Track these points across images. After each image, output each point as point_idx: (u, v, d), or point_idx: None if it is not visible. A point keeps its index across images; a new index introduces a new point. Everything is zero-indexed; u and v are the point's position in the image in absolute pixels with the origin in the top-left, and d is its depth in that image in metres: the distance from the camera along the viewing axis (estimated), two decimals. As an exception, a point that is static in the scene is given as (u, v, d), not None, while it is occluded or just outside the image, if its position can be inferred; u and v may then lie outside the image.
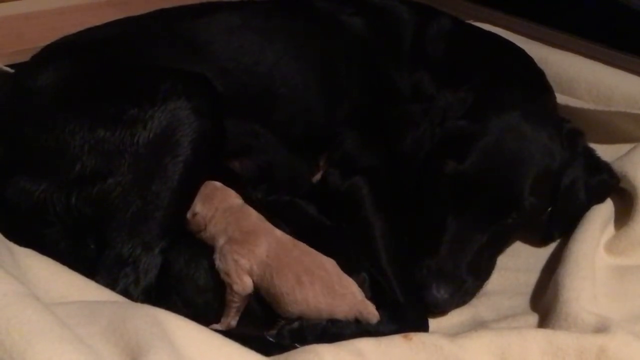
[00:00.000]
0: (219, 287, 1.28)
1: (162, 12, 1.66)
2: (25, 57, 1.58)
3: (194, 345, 1.01)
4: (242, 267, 1.25)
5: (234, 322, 1.26)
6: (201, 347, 1.02)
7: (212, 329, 1.13)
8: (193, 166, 1.31)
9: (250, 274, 1.25)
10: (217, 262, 1.27)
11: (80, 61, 1.45)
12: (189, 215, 1.32)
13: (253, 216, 1.33)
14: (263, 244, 1.27)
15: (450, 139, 1.43)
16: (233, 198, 1.35)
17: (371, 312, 1.23)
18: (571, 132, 1.48)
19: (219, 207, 1.32)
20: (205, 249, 1.32)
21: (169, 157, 1.29)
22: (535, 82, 1.64)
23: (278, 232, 1.31)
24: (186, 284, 1.29)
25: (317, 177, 1.54)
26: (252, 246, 1.27)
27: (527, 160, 1.39)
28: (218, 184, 1.37)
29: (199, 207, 1.32)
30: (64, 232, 1.30)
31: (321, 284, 1.23)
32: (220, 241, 1.29)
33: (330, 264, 1.27)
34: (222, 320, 1.26)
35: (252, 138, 1.52)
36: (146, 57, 1.49)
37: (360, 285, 1.27)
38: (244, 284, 1.25)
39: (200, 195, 1.34)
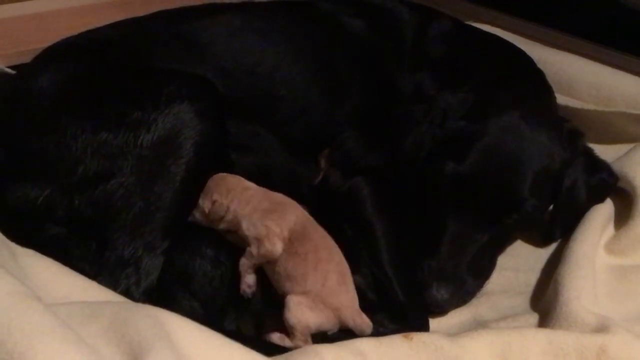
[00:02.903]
0: (225, 274, 1.29)
1: (163, 13, 1.66)
2: (27, 59, 1.58)
3: (195, 346, 1.01)
4: (274, 232, 1.26)
5: (252, 281, 1.28)
6: (202, 347, 1.02)
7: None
8: (196, 168, 1.32)
9: (281, 239, 1.26)
10: (245, 230, 1.28)
11: (82, 63, 1.45)
12: (207, 206, 1.32)
13: (279, 194, 1.35)
14: (292, 212, 1.29)
15: (450, 139, 1.43)
16: (246, 181, 1.37)
17: (365, 322, 1.23)
18: (571, 132, 1.48)
19: (236, 188, 1.33)
20: (207, 240, 1.32)
21: (172, 159, 1.30)
22: (535, 83, 1.64)
23: (305, 212, 1.33)
24: (192, 275, 1.30)
25: (319, 178, 1.55)
26: (282, 213, 1.28)
27: (527, 160, 1.39)
28: (225, 173, 1.38)
29: (216, 195, 1.33)
30: (66, 233, 1.30)
31: (336, 267, 1.24)
32: (246, 211, 1.30)
33: (348, 268, 1.28)
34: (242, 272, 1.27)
35: (252, 138, 1.53)
36: (147, 59, 1.50)
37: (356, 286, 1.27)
38: (275, 247, 1.25)
39: (211, 186, 1.35)
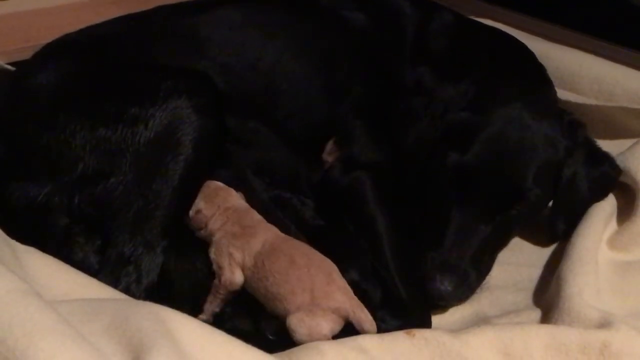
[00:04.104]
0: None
1: (163, 8, 1.66)
2: (26, 55, 1.58)
3: (196, 343, 1.01)
4: (236, 260, 1.25)
5: (216, 309, 1.26)
6: (204, 344, 1.02)
7: (200, 319, 1.14)
8: (194, 165, 1.31)
9: (243, 268, 1.25)
10: (212, 255, 1.27)
11: (81, 59, 1.45)
12: (191, 212, 1.32)
13: (256, 216, 1.34)
14: (260, 236, 1.27)
15: (452, 131, 1.43)
16: (235, 198, 1.35)
17: (367, 318, 1.20)
18: (572, 123, 1.48)
19: (221, 206, 1.32)
20: (204, 247, 1.32)
21: (170, 156, 1.29)
22: (536, 76, 1.64)
23: (278, 231, 1.31)
24: (188, 282, 1.29)
25: (327, 166, 1.53)
26: (249, 238, 1.27)
27: (530, 150, 1.39)
28: (220, 184, 1.37)
29: (202, 205, 1.32)
30: (67, 231, 1.30)
31: (319, 269, 1.22)
32: (218, 235, 1.29)
33: (333, 265, 1.26)
34: (205, 307, 1.25)
35: (252, 134, 1.52)
36: (147, 54, 1.49)
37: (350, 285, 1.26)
38: (234, 277, 1.25)
39: (203, 194, 1.34)
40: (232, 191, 1.36)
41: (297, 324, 1.17)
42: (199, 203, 1.33)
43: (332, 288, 1.20)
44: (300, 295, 1.18)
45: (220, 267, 1.26)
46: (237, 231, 1.29)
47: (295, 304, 1.18)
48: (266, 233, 1.28)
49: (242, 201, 1.36)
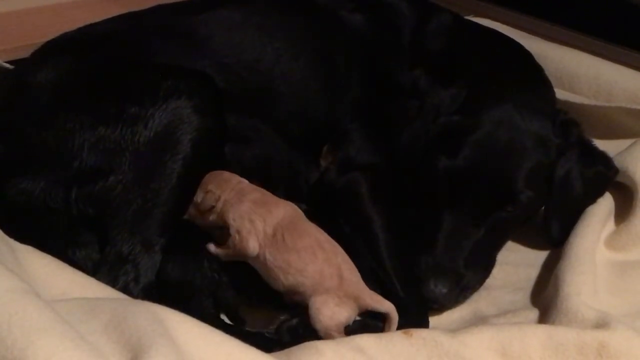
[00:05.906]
0: (219, 289, 1.30)
1: (162, 7, 1.66)
2: (25, 54, 1.58)
3: (195, 342, 1.01)
4: (257, 228, 1.26)
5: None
6: (202, 343, 1.02)
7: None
8: (193, 165, 1.31)
9: (259, 236, 1.26)
10: (231, 219, 1.28)
11: (80, 58, 1.45)
12: (198, 197, 1.32)
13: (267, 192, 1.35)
14: (282, 207, 1.29)
15: (443, 135, 1.43)
16: (240, 178, 1.37)
17: (384, 300, 1.23)
18: (565, 122, 1.48)
19: (231, 180, 1.33)
20: (203, 253, 1.32)
21: (169, 155, 1.29)
22: (532, 77, 1.64)
23: (295, 207, 1.33)
24: (186, 281, 1.30)
25: (322, 169, 1.54)
26: (271, 207, 1.28)
27: (520, 151, 1.39)
28: (221, 170, 1.38)
29: (211, 186, 1.33)
30: (65, 229, 1.30)
31: (343, 256, 1.24)
32: (236, 200, 1.29)
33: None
34: (210, 247, 1.31)
35: (252, 133, 1.52)
36: (146, 53, 1.49)
37: None
38: (250, 246, 1.25)
39: (206, 180, 1.34)
40: (235, 174, 1.37)
41: (323, 305, 1.18)
42: (208, 186, 1.33)
43: (354, 277, 1.23)
44: (329, 278, 1.20)
45: (238, 232, 1.26)
46: (258, 197, 1.30)
47: (324, 285, 1.20)
48: (287, 205, 1.30)
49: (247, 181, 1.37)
